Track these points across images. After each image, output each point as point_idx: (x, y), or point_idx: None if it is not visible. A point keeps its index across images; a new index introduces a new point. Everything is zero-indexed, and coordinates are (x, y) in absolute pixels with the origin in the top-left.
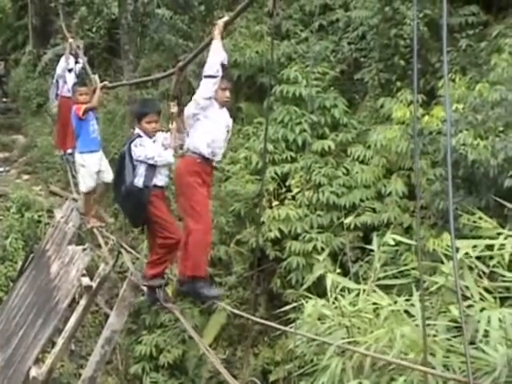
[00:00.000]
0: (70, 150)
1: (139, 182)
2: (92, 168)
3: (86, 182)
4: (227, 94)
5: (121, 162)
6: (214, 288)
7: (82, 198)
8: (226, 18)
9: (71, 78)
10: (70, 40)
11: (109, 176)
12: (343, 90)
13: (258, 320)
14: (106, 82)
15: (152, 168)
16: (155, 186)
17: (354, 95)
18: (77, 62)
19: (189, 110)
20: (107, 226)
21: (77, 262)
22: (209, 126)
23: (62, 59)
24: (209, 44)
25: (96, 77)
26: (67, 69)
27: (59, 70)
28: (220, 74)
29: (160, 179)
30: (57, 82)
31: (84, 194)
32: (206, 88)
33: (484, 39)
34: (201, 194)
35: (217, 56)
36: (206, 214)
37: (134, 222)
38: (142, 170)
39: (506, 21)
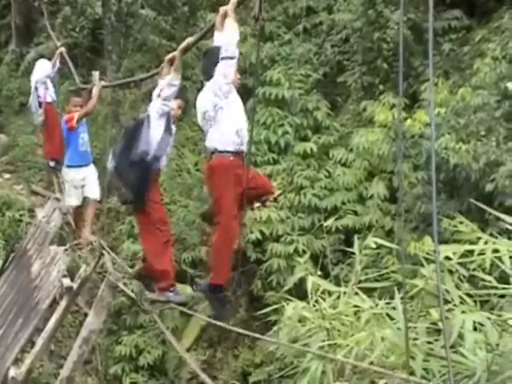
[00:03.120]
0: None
1: (151, 152)
2: (75, 183)
3: (69, 196)
4: (238, 75)
5: (135, 130)
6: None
7: (71, 214)
8: (224, 7)
9: (51, 85)
10: (62, 49)
11: (95, 192)
12: (326, 93)
13: (233, 328)
14: (103, 82)
15: (167, 137)
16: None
17: (337, 98)
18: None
19: (206, 101)
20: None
21: (58, 263)
22: (233, 113)
23: (42, 65)
24: (210, 29)
25: (96, 74)
26: (52, 74)
27: (40, 75)
28: (237, 54)
29: (164, 158)
30: (36, 89)
31: (72, 209)
32: (227, 71)
33: (467, 43)
34: (232, 197)
35: (233, 35)
36: (231, 219)
37: (133, 196)
38: (156, 139)
39: (489, 25)
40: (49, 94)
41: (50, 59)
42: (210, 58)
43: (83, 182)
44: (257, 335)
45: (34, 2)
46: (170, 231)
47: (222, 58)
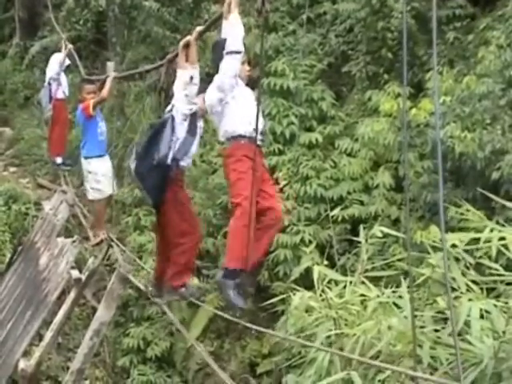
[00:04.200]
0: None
1: (170, 154)
2: (99, 173)
3: (95, 189)
4: (247, 67)
5: (157, 133)
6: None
7: (92, 209)
8: None
9: (65, 80)
10: (70, 46)
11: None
12: (331, 83)
13: (241, 322)
14: (115, 73)
15: (190, 138)
16: (179, 166)
17: (342, 88)
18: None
19: (212, 97)
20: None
21: (66, 255)
22: (240, 105)
23: (54, 61)
24: (219, 18)
25: (111, 64)
26: (62, 70)
27: (52, 72)
28: (243, 49)
29: (186, 159)
30: (49, 84)
31: (93, 204)
32: (232, 66)
33: (471, 32)
34: (249, 180)
35: (238, 29)
36: (249, 201)
37: (152, 199)
38: (178, 141)
39: (493, 13)
40: (61, 91)
41: (56, 52)
42: (218, 51)
43: (105, 171)
44: (266, 330)
45: None
46: (197, 234)
47: (228, 53)
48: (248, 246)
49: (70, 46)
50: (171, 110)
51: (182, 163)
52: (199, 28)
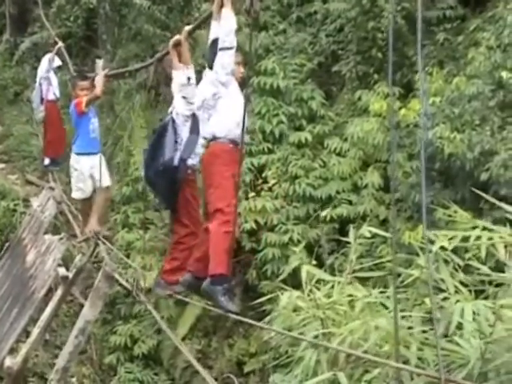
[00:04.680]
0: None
1: (177, 156)
2: (85, 172)
3: (77, 188)
4: (241, 68)
5: (159, 137)
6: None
7: (79, 207)
8: None
9: (56, 79)
10: (61, 44)
11: (105, 179)
12: (321, 82)
13: (232, 315)
14: (107, 70)
15: (193, 137)
16: (188, 165)
17: (332, 87)
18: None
19: (205, 91)
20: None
21: (53, 252)
22: (233, 103)
23: (45, 60)
24: (210, 16)
25: (100, 62)
26: (52, 68)
27: (42, 71)
28: (235, 44)
29: (194, 157)
30: (40, 85)
31: (79, 202)
32: (226, 61)
33: (461, 33)
34: (232, 185)
35: (230, 25)
36: (232, 206)
37: (166, 203)
38: (182, 142)
39: (484, 15)
40: (52, 91)
41: (44, 50)
42: (215, 50)
43: (91, 171)
44: (256, 323)
45: None
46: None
47: (221, 49)
48: (230, 252)
49: (61, 44)
50: (172, 111)
51: (190, 162)
52: (188, 27)
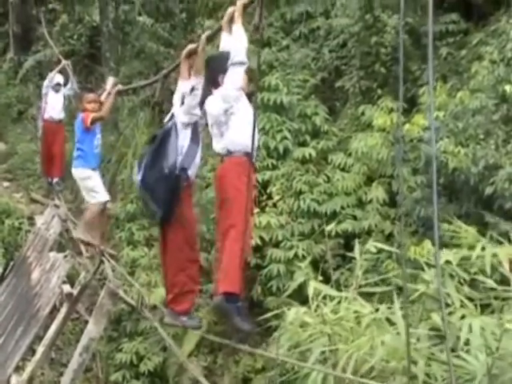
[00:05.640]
0: (56, 179)
1: (178, 163)
2: (97, 182)
3: (97, 191)
4: (246, 80)
5: (162, 141)
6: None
7: (90, 209)
8: (233, 8)
9: (57, 99)
10: (65, 62)
11: (104, 195)
12: (324, 98)
13: (233, 344)
14: (120, 86)
15: (194, 146)
16: (188, 175)
17: (335, 103)
18: (65, 84)
19: (216, 107)
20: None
21: (58, 269)
22: (245, 118)
23: (48, 78)
24: (219, 29)
25: (111, 79)
26: (51, 87)
27: (44, 89)
28: (247, 60)
29: (193, 168)
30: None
31: (93, 206)
32: (238, 77)
33: (464, 47)
34: (245, 200)
35: (242, 41)
36: (245, 223)
37: (162, 211)
38: (183, 149)
39: (487, 29)
40: (47, 110)
41: (48, 68)
42: (217, 65)
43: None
44: (256, 350)
45: (32, 10)
46: (197, 252)
47: (232, 64)
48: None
49: (65, 61)
50: (171, 119)
51: (190, 172)
52: (205, 35)
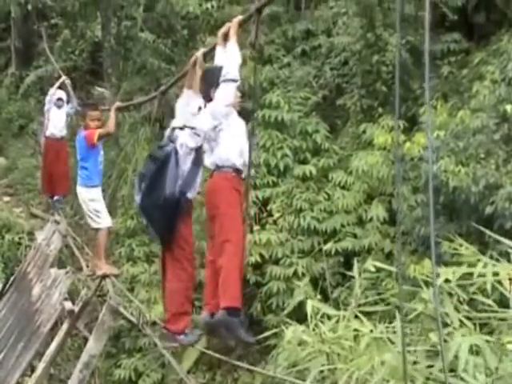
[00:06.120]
0: (56, 197)
1: (177, 188)
2: (101, 202)
3: (101, 217)
4: (238, 97)
5: (161, 167)
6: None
7: (99, 239)
8: (240, 17)
9: (60, 116)
10: (67, 80)
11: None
12: (325, 116)
13: (231, 361)
14: (118, 103)
15: (195, 169)
16: (187, 199)
17: (336, 121)
18: (67, 101)
19: (206, 123)
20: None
21: (59, 286)
22: (234, 134)
23: (48, 94)
24: (213, 48)
25: (105, 91)
26: (54, 102)
27: (46, 105)
28: (239, 77)
29: (193, 190)
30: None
31: (101, 233)
32: (228, 93)
33: (466, 66)
34: (238, 214)
35: (235, 58)
36: (241, 236)
37: (160, 235)
38: (183, 173)
39: (488, 48)
40: (48, 127)
41: (50, 83)
42: (210, 78)
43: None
44: (258, 369)
45: (34, 25)
46: (195, 272)
47: (224, 81)
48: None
49: (65, 77)
50: (171, 135)
51: (190, 194)
52: (201, 52)
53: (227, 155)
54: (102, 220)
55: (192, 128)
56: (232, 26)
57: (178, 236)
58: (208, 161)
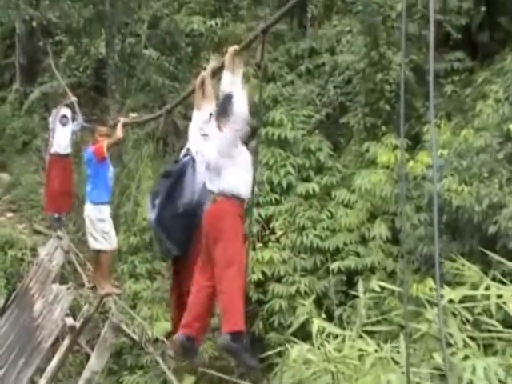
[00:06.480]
0: (59, 215)
1: (195, 199)
2: (109, 222)
3: (106, 239)
4: (246, 130)
5: (178, 178)
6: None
7: (98, 260)
8: (235, 46)
9: (65, 134)
10: (73, 98)
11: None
12: (328, 134)
13: (233, 380)
14: (124, 118)
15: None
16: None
17: (339, 139)
18: (73, 119)
19: (210, 154)
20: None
21: (61, 301)
22: (242, 162)
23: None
24: (221, 67)
25: (132, 115)
26: (59, 120)
27: (50, 124)
28: (247, 111)
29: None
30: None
31: (101, 254)
32: (235, 137)
33: (469, 85)
34: (242, 241)
35: (244, 107)
36: (244, 262)
37: (179, 248)
38: (201, 184)
39: (492, 67)
40: (53, 145)
41: (54, 99)
42: (225, 106)
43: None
44: None
45: (39, 42)
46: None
47: (234, 115)
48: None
49: (73, 98)
50: (187, 153)
51: (206, 207)
52: (212, 64)
53: (231, 187)
54: (109, 242)
55: (206, 135)
56: (227, 55)
57: (194, 251)
58: (212, 185)
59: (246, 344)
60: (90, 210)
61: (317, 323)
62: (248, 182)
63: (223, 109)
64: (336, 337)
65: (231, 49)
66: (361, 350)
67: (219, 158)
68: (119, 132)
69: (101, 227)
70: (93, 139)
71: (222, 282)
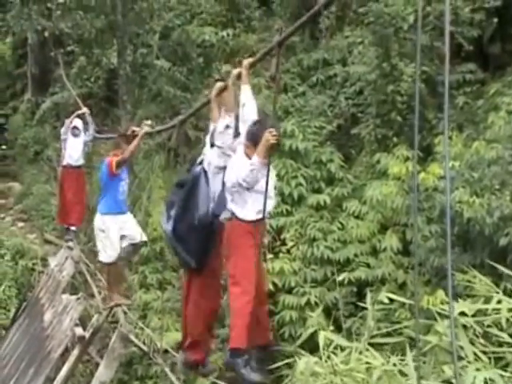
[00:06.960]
0: (74, 228)
1: (210, 209)
2: (112, 233)
3: (106, 251)
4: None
5: (192, 189)
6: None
7: (104, 271)
8: (250, 59)
9: (76, 145)
10: (85, 110)
11: (136, 237)
12: (340, 145)
13: None
14: (147, 128)
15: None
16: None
17: (351, 150)
18: (85, 130)
19: (230, 179)
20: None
21: (70, 312)
22: (254, 193)
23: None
24: (254, 63)
25: (148, 122)
26: (70, 131)
27: (62, 135)
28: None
29: (226, 212)
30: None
31: (105, 266)
32: (256, 174)
33: (481, 97)
34: (253, 258)
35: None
36: (251, 279)
37: (196, 260)
38: (215, 194)
39: (504, 79)
40: (65, 157)
41: (65, 110)
42: (258, 131)
43: (122, 232)
44: None
45: (51, 52)
46: (220, 302)
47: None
48: (252, 323)
49: (86, 110)
50: (202, 162)
51: (222, 217)
52: (235, 72)
53: (243, 213)
54: (108, 254)
55: (219, 147)
56: (243, 68)
57: (210, 264)
58: (228, 205)
59: (247, 359)
60: (96, 220)
61: (324, 335)
62: (269, 206)
63: (253, 136)
64: (343, 349)
65: (246, 62)
66: (368, 362)
67: (240, 184)
68: (128, 151)
69: (101, 237)
70: (111, 152)
71: (229, 300)
